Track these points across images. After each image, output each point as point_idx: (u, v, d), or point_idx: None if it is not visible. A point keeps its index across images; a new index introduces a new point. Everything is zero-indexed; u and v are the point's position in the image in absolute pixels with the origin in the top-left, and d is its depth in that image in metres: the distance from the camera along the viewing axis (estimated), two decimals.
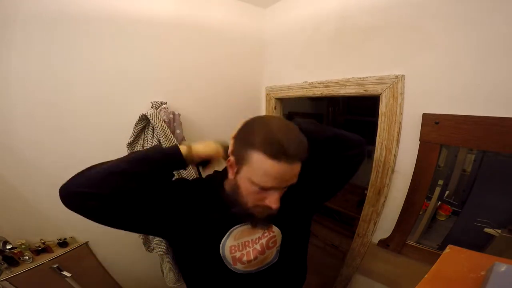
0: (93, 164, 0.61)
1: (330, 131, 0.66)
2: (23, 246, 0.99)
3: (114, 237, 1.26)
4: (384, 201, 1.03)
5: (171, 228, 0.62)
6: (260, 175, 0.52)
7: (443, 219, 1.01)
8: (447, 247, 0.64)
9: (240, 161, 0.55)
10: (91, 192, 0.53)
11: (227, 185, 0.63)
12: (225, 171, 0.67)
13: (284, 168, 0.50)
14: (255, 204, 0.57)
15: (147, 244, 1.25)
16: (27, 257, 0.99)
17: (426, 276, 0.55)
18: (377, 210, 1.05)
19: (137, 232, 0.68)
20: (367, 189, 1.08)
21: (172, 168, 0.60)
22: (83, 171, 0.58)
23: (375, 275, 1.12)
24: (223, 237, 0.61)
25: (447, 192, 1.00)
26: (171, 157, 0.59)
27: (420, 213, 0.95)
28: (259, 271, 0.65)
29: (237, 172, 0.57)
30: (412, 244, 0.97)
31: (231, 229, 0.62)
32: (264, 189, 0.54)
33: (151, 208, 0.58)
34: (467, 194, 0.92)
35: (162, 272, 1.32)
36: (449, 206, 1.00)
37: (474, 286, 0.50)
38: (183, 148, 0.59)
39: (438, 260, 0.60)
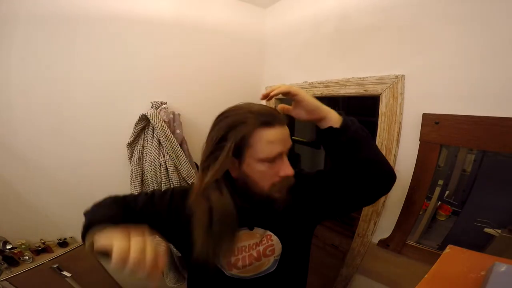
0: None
1: (373, 151, 0.61)
2: (23, 246, 0.99)
3: None
4: (384, 201, 1.02)
5: (170, 235, 0.63)
6: (265, 147, 0.53)
7: (443, 219, 1.01)
8: (447, 247, 0.64)
9: (239, 151, 0.55)
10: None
11: (237, 184, 0.60)
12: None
13: (281, 130, 0.54)
14: (272, 183, 0.56)
15: None
16: (27, 257, 0.99)
17: (426, 276, 0.55)
18: (377, 210, 1.05)
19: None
20: None
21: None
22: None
23: (375, 275, 1.12)
24: None
25: (447, 192, 1.00)
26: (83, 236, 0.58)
27: (420, 213, 0.95)
28: (254, 278, 0.63)
29: (240, 164, 0.57)
30: (412, 244, 0.97)
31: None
32: (272, 161, 0.54)
33: (149, 223, 0.56)
34: (467, 194, 0.92)
35: (162, 272, 1.32)
36: (449, 206, 1.00)
37: (474, 286, 0.50)
38: (89, 239, 0.54)
39: (438, 260, 0.60)
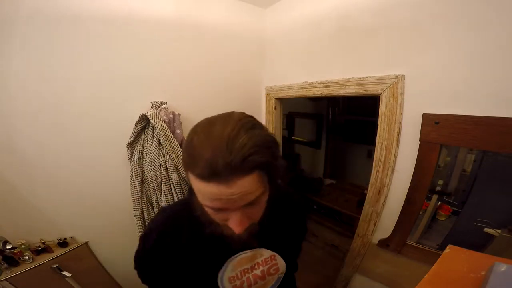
0: None
1: None
2: (23, 246, 0.99)
3: (114, 237, 1.26)
4: (384, 201, 1.03)
5: (175, 273, 0.59)
6: (202, 198, 0.44)
7: (443, 219, 1.01)
8: (447, 247, 0.64)
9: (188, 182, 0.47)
10: None
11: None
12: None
13: (219, 188, 0.39)
14: (223, 224, 0.49)
15: None
16: (27, 257, 0.99)
17: (426, 276, 0.55)
18: (377, 210, 1.05)
19: None
20: (367, 189, 1.08)
21: None
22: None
23: (375, 275, 1.12)
24: (219, 270, 0.57)
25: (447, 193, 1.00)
26: None
27: (420, 213, 0.95)
28: None
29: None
30: (412, 244, 0.97)
31: (229, 260, 0.58)
32: (217, 210, 0.45)
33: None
34: (467, 194, 0.92)
35: None
36: (449, 206, 1.00)
37: (474, 286, 0.50)
38: None
39: (438, 260, 0.60)
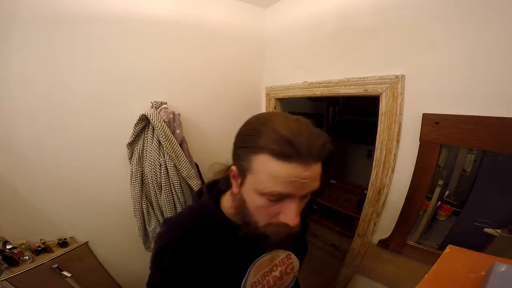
0: None
1: None
2: (23, 246, 0.99)
3: (114, 237, 1.26)
4: (384, 201, 1.03)
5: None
6: (267, 181, 0.42)
7: (443, 219, 1.01)
8: (447, 247, 0.64)
9: (243, 170, 0.46)
10: None
11: (232, 202, 0.53)
12: (217, 187, 0.59)
13: (298, 170, 0.40)
14: (267, 222, 0.47)
15: (147, 243, 1.25)
16: (27, 257, 0.99)
17: (426, 276, 0.55)
18: (377, 210, 1.05)
19: None
20: (367, 189, 1.08)
21: None
22: None
23: (375, 275, 1.12)
24: (242, 279, 0.55)
25: (447, 192, 1.00)
26: None
27: (420, 213, 0.95)
28: None
29: (241, 184, 0.48)
30: (412, 244, 0.97)
31: (250, 267, 0.56)
32: (275, 200, 0.43)
33: None
34: (467, 194, 0.92)
35: None
36: (449, 206, 1.00)
37: (474, 286, 0.50)
38: None
39: (438, 260, 0.60)
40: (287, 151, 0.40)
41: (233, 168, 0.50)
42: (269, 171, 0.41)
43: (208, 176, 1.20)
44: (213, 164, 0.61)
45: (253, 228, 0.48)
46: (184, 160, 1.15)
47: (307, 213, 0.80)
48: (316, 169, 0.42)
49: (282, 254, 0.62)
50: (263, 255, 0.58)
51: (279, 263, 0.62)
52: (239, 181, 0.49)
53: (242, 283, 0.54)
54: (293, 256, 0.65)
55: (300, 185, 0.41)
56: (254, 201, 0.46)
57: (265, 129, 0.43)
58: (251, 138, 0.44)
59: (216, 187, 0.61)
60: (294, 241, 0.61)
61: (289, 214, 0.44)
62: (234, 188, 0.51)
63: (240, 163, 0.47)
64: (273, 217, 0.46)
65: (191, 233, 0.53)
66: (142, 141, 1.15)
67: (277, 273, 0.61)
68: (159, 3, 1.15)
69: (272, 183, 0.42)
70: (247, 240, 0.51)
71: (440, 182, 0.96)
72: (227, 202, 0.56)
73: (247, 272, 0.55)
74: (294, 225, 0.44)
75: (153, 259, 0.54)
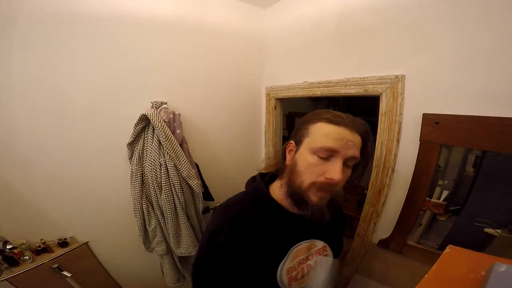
0: None
1: None
2: (23, 246, 0.99)
3: (114, 237, 1.26)
4: (384, 201, 1.02)
5: (245, 266, 0.59)
6: (320, 138, 0.54)
7: (443, 219, 1.01)
8: (447, 247, 0.64)
9: (301, 137, 0.58)
10: None
11: (283, 174, 0.62)
12: (266, 178, 0.68)
13: (344, 131, 0.53)
14: (313, 180, 0.54)
15: (147, 244, 1.25)
16: (27, 257, 0.99)
17: (426, 276, 0.55)
18: (377, 210, 1.05)
19: None
20: (367, 189, 1.08)
21: None
22: None
23: (375, 275, 1.12)
24: (281, 261, 0.59)
25: (447, 192, 1.00)
26: None
27: (420, 213, 0.95)
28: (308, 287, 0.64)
29: (296, 152, 0.59)
30: (412, 244, 0.97)
31: (290, 251, 0.60)
32: (324, 157, 0.53)
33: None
34: (467, 194, 0.92)
35: (162, 272, 1.32)
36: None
37: (474, 286, 0.50)
38: None
39: (438, 260, 0.60)
40: (338, 119, 0.55)
41: (292, 141, 0.61)
42: (323, 131, 0.55)
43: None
44: (264, 160, 0.73)
45: (298, 189, 0.56)
46: (184, 160, 1.15)
47: (344, 215, 0.85)
48: (357, 138, 0.55)
49: (319, 245, 0.65)
50: (303, 241, 0.62)
51: (315, 252, 0.64)
52: (294, 150, 0.59)
53: (280, 266, 0.59)
54: (328, 248, 0.67)
55: (345, 144, 0.53)
56: (306, 160, 0.55)
57: (321, 112, 0.58)
58: (310, 118, 0.59)
59: (267, 176, 0.68)
60: (331, 234, 0.68)
61: (334, 170, 0.52)
62: (288, 160, 0.61)
63: (298, 134, 0.59)
64: (319, 176, 0.54)
65: (244, 213, 0.61)
66: (142, 141, 1.15)
67: (312, 262, 0.63)
68: (159, 3, 1.16)
69: (324, 140, 0.54)
70: (290, 225, 0.60)
71: (440, 182, 0.96)
72: (276, 189, 0.64)
73: (286, 256, 0.59)
74: (338, 179, 0.52)
75: (208, 237, 0.60)
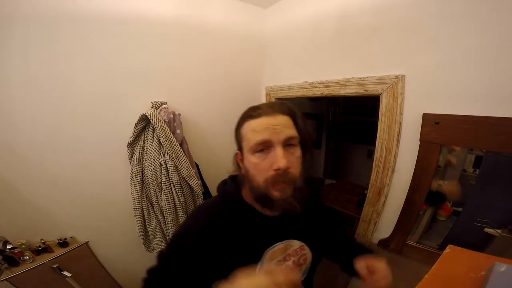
0: None
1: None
2: (23, 246, 0.99)
3: (114, 237, 1.26)
4: (384, 201, 1.02)
5: (215, 271, 0.57)
6: (251, 137, 0.55)
7: (443, 219, 1.01)
8: (447, 247, 0.64)
9: (240, 144, 0.59)
10: None
11: (246, 182, 0.60)
12: (236, 182, 0.66)
13: (266, 119, 0.54)
14: (265, 177, 0.53)
15: (147, 243, 1.25)
16: (28, 257, 0.99)
17: (426, 276, 0.55)
18: (377, 210, 1.05)
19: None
20: (367, 189, 1.08)
21: None
22: None
23: None
24: (257, 264, 0.59)
25: None
26: None
27: (420, 213, 0.95)
28: None
29: (243, 159, 0.59)
30: (412, 244, 0.97)
31: (265, 253, 0.59)
32: (262, 150, 0.53)
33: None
34: (467, 194, 0.92)
35: None
36: (449, 206, 1.00)
37: (474, 286, 0.50)
38: None
39: (438, 260, 0.60)
40: (257, 112, 0.55)
41: (238, 151, 0.61)
42: (250, 129, 0.55)
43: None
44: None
45: (258, 191, 0.55)
46: (184, 160, 1.15)
47: (329, 209, 0.80)
48: (283, 119, 0.55)
49: (295, 244, 0.64)
50: (278, 243, 0.61)
51: (292, 253, 0.63)
52: (242, 158, 0.59)
53: (257, 269, 0.57)
54: (306, 247, 0.65)
55: (273, 130, 0.53)
56: (251, 161, 0.55)
57: (244, 112, 0.59)
58: (238, 123, 0.60)
59: (238, 178, 0.67)
60: (309, 233, 0.65)
61: (276, 159, 0.52)
62: (242, 170, 0.60)
63: (237, 142, 0.60)
64: (268, 171, 0.53)
65: (215, 216, 0.60)
66: (142, 141, 1.15)
67: (290, 263, 0.63)
68: (159, 3, 1.15)
69: (254, 136, 0.54)
70: (264, 227, 0.59)
71: (440, 182, 0.96)
72: (248, 192, 0.63)
73: (262, 258, 0.59)
74: (284, 165, 0.51)
75: (178, 236, 0.60)
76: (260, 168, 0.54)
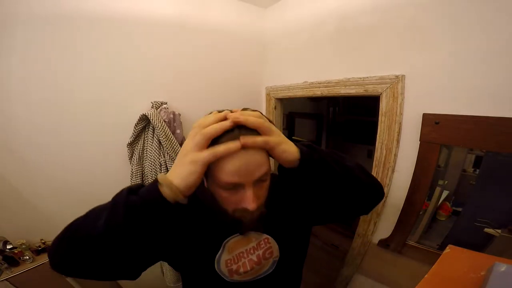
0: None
1: (352, 162, 0.57)
2: (23, 246, 0.99)
3: None
4: (384, 201, 1.02)
5: (169, 253, 0.61)
6: (220, 175, 0.47)
7: (443, 219, 1.01)
8: (447, 247, 0.64)
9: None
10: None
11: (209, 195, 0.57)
12: None
13: (238, 161, 0.46)
14: (234, 209, 0.52)
15: None
16: (28, 257, 0.99)
17: (426, 276, 0.55)
18: (377, 210, 1.05)
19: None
20: None
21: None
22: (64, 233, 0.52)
23: (375, 275, 1.12)
24: (217, 252, 0.60)
25: (447, 192, 1.00)
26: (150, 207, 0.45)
27: (420, 213, 0.95)
28: (254, 280, 0.64)
29: (207, 180, 0.55)
30: (412, 244, 0.97)
31: (224, 242, 0.60)
32: (233, 188, 0.49)
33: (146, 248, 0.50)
34: (467, 194, 0.92)
35: (162, 272, 1.32)
36: (449, 206, 1.00)
37: (474, 286, 0.50)
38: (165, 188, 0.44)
39: (438, 260, 0.60)
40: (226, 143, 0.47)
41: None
42: (218, 168, 0.47)
43: None
44: None
45: (227, 215, 0.53)
46: None
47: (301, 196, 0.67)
48: (256, 155, 0.48)
49: (258, 237, 0.63)
50: (237, 234, 0.61)
51: (256, 246, 0.62)
52: (205, 179, 0.55)
53: (217, 257, 0.59)
54: (271, 240, 0.64)
55: (245, 172, 0.47)
56: (219, 194, 0.52)
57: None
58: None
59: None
60: (276, 225, 0.64)
61: (247, 200, 0.49)
62: (205, 184, 0.57)
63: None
64: (237, 204, 0.51)
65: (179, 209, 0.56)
66: (142, 141, 1.15)
67: (254, 257, 0.62)
68: (159, 3, 1.16)
69: (224, 176, 0.47)
70: (222, 219, 0.56)
71: (440, 182, 0.96)
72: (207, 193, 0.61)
73: (221, 247, 0.60)
74: (252, 209, 0.49)
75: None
76: (229, 201, 0.51)
